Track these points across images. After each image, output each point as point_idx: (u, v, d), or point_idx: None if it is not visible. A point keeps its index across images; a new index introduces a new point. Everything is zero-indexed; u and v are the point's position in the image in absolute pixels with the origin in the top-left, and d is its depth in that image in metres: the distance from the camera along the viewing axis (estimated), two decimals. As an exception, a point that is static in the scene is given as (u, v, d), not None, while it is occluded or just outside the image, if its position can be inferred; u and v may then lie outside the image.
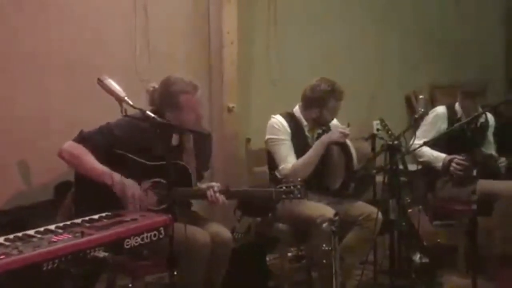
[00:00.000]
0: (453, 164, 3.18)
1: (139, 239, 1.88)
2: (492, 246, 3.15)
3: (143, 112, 2.12)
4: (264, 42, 3.66)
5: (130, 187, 2.25)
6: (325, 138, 2.85)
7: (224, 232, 2.46)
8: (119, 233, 1.84)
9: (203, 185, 2.49)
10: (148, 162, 2.35)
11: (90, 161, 2.27)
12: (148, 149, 2.35)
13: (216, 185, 2.43)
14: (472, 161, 2.74)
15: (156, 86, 2.51)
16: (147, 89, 2.57)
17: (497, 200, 3.10)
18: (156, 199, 2.36)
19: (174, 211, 2.11)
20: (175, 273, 2.03)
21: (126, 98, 2.07)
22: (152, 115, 2.12)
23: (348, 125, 2.88)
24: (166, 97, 2.42)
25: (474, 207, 2.57)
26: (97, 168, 2.26)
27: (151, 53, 3.23)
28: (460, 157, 3.17)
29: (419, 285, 2.97)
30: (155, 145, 2.30)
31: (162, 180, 2.31)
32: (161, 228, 1.95)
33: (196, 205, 2.66)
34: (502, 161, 3.25)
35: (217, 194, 2.37)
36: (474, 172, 2.55)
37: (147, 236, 1.90)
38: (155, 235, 1.93)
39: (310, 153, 2.82)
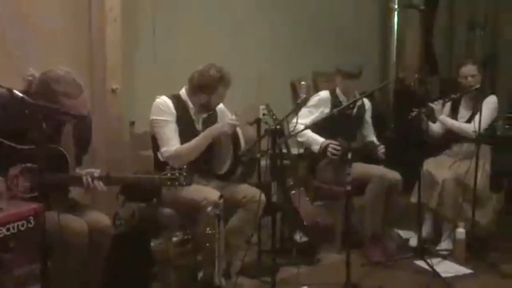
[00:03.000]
0: (329, 149, 3.38)
1: (4, 230, 1.75)
2: (364, 224, 3.40)
3: (10, 91, 1.94)
4: (150, 20, 3.53)
5: None
6: (215, 130, 2.83)
7: (103, 219, 2.36)
8: (-20, 224, 1.68)
9: (82, 171, 2.36)
10: (17, 146, 2.17)
11: None
12: (19, 132, 2.16)
13: (96, 171, 2.32)
14: (347, 146, 2.94)
15: (36, 74, 2.30)
16: (24, 76, 2.35)
17: (369, 183, 3.35)
18: (27, 186, 2.19)
19: (47, 199, 1.98)
20: (49, 264, 1.91)
21: (-11, 75, 1.87)
22: (21, 95, 1.95)
23: (235, 114, 2.91)
24: (46, 95, 2.20)
25: (349, 188, 2.76)
26: None
27: (23, 27, 2.96)
28: (335, 142, 3.37)
29: (300, 263, 3.14)
30: (27, 128, 2.12)
31: (33, 166, 2.15)
32: (31, 217, 1.82)
33: (76, 192, 2.52)
34: (381, 148, 3.49)
35: (95, 181, 2.26)
36: (349, 156, 2.73)
37: (13, 227, 1.78)
38: (23, 225, 1.80)
39: (195, 141, 2.79)
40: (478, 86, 3.45)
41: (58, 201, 2.16)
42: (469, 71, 3.51)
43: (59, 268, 2.14)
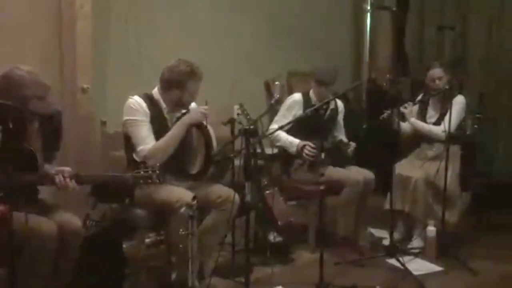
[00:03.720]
0: (305, 150, 3.39)
1: (-32, 233, 1.68)
2: (336, 224, 3.43)
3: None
4: (122, 17, 3.47)
5: None
6: (185, 119, 2.79)
7: (74, 220, 2.31)
8: None
9: (52, 170, 2.31)
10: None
11: None
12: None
13: (66, 169, 2.27)
14: (321, 147, 2.96)
15: None
16: None
17: (345, 187, 3.37)
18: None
19: (14, 200, 1.92)
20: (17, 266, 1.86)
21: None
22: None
23: (206, 103, 2.87)
24: (12, 98, 2.13)
25: (322, 188, 2.78)
26: None
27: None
28: (311, 144, 3.38)
29: (273, 263, 3.14)
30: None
31: (-1, 166, 2.08)
32: (-3, 219, 1.76)
33: (46, 193, 2.46)
34: (351, 146, 3.52)
35: (67, 180, 2.21)
36: (322, 156, 2.75)
37: (-22, 229, 1.71)
38: (-12, 227, 1.74)
39: (170, 134, 2.75)
40: (446, 87, 3.51)
41: (26, 202, 2.10)
42: (436, 74, 3.56)
43: (28, 271, 2.08)
